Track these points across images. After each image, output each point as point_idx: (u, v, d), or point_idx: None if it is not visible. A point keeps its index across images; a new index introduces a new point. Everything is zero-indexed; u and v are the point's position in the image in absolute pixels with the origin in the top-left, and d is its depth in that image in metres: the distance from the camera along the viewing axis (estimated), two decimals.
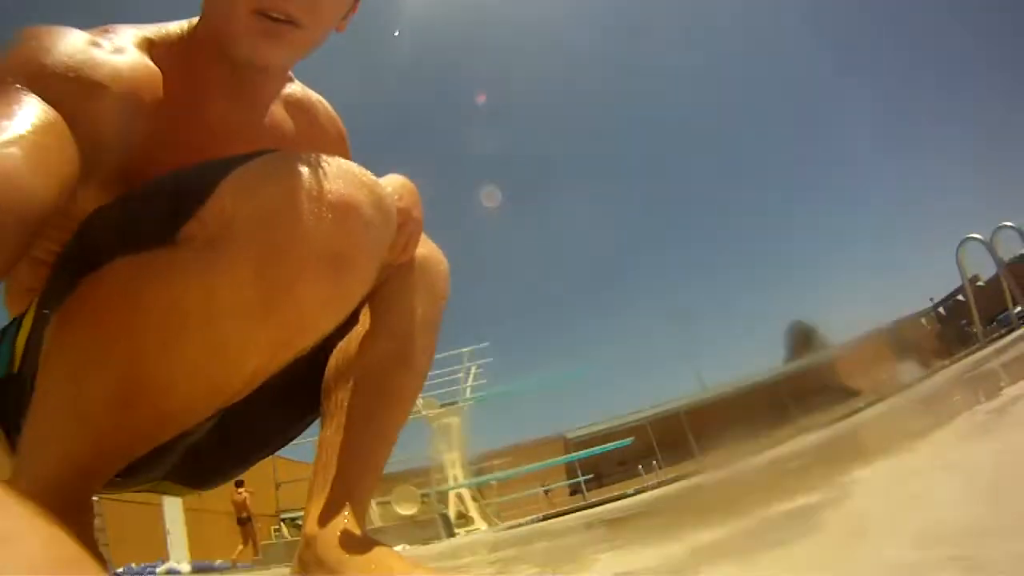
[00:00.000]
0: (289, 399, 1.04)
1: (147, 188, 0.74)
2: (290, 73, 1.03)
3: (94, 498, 0.84)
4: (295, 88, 1.04)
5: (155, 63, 0.83)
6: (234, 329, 0.67)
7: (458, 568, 0.85)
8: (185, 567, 5.74)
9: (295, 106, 1.02)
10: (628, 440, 10.53)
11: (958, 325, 17.19)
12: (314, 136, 1.03)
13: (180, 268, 0.66)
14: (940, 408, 2.05)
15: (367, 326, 0.99)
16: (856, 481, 1.18)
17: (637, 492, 3.97)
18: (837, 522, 0.83)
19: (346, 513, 0.88)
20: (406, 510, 6.57)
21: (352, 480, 0.91)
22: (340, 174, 0.70)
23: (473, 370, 8.46)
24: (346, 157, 1.02)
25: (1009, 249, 6.27)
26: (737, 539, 0.91)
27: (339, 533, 0.85)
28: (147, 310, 0.67)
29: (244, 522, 11.21)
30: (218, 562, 6.62)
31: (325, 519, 0.87)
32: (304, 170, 0.68)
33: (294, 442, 1.17)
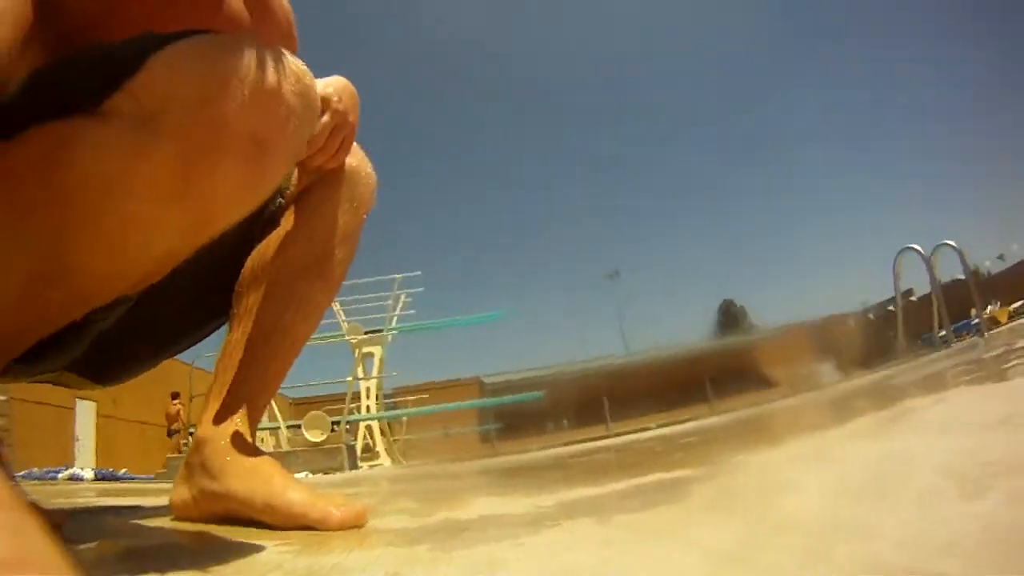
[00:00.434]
0: (201, 298, 1.03)
1: (78, 56, 0.70)
2: None
3: (2, 398, 0.82)
4: None
5: None
6: (148, 206, 0.66)
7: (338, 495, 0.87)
8: (88, 474, 5.57)
9: None
10: (539, 394, 10.65)
11: (884, 335, 17.81)
12: (262, 20, 0.98)
13: (104, 141, 0.64)
14: (842, 410, 2.14)
15: (288, 233, 0.97)
16: (738, 463, 1.21)
17: (541, 449, 4.06)
18: (701, 495, 0.84)
19: (238, 419, 0.89)
20: (315, 437, 6.53)
21: (251, 387, 0.92)
22: (270, 62, 0.69)
23: (402, 299, 8.28)
24: (292, 46, 0.99)
25: (948, 271, 6.32)
26: (605, 499, 0.92)
27: (228, 438, 0.86)
28: (67, 180, 0.65)
29: (174, 434, 11.01)
30: (123, 471, 6.48)
31: (217, 423, 0.88)
32: (235, 55, 0.67)
33: (210, 354, 1.14)
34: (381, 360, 8.05)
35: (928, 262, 5.68)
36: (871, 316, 22.63)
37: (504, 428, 14.03)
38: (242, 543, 0.74)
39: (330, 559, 0.65)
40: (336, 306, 7.89)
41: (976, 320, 6.25)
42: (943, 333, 5.84)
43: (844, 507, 0.67)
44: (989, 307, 12.55)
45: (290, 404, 14.28)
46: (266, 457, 0.86)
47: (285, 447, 7.25)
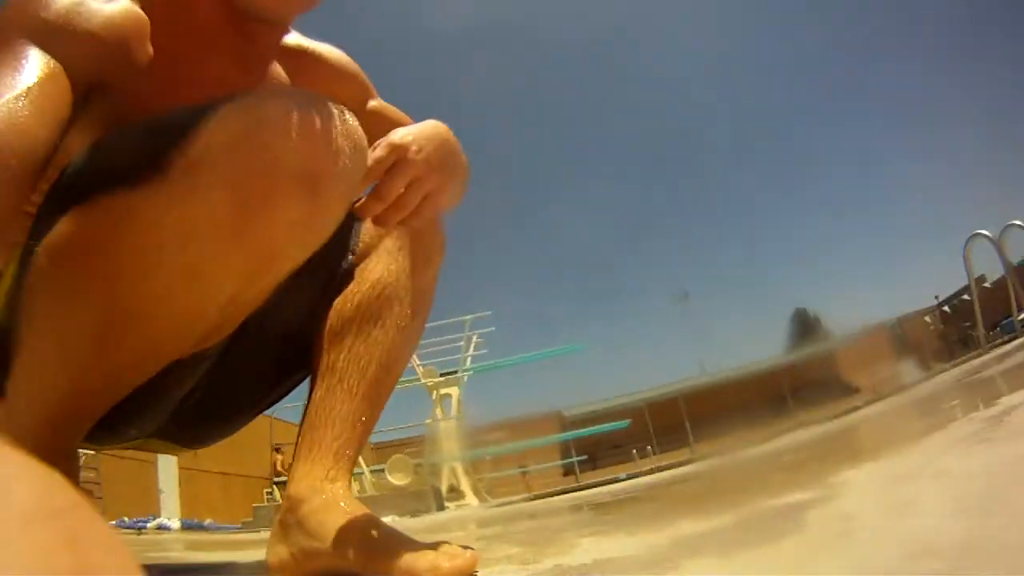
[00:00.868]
0: (278, 358, 1.05)
1: (130, 128, 0.75)
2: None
3: (91, 453, 0.86)
4: (297, 40, 1.01)
5: (151, 11, 0.82)
6: (208, 252, 0.69)
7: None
8: (175, 524, 5.83)
9: (295, 58, 1.00)
10: (625, 423, 10.52)
11: (961, 326, 16.97)
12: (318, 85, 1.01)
13: (157, 195, 0.67)
14: (936, 412, 2.03)
15: (364, 287, 0.98)
16: (846, 482, 1.17)
17: (629, 477, 3.98)
18: (822, 523, 0.81)
19: (331, 476, 0.88)
20: (399, 480, 6.61)
21: (339, 443, 0.91)
22: (312, 106, 0.71)
23: (474, 339, 8.41)
24: (365, 95, 1.05)
25: (1018, 250, 5.92)
26: (720, 533, 0.89)
27: (323, 497, 0.85)
28: (126, 240, 0.68)
29: (280, 484, 11.33)
30: (208, 521, 6.73)
31: (311, 480, 0.87)
32: (277, 101, 0.70)
33: (290, 405, 1.17)
34: (459, 400, 8.14)
35: (998, 245, 5.39)
36: (946, 308, 21.48)
37: (587, 459, 13.84)
38: None
39: None
40: None
41: None
42: (1022, 317, 5.56)
43: (975, 526, 0.64)
44: None
45: (371, 448, 14.49)
46: (363, 508, 0.85)
47: (370, 491, 7.35)
